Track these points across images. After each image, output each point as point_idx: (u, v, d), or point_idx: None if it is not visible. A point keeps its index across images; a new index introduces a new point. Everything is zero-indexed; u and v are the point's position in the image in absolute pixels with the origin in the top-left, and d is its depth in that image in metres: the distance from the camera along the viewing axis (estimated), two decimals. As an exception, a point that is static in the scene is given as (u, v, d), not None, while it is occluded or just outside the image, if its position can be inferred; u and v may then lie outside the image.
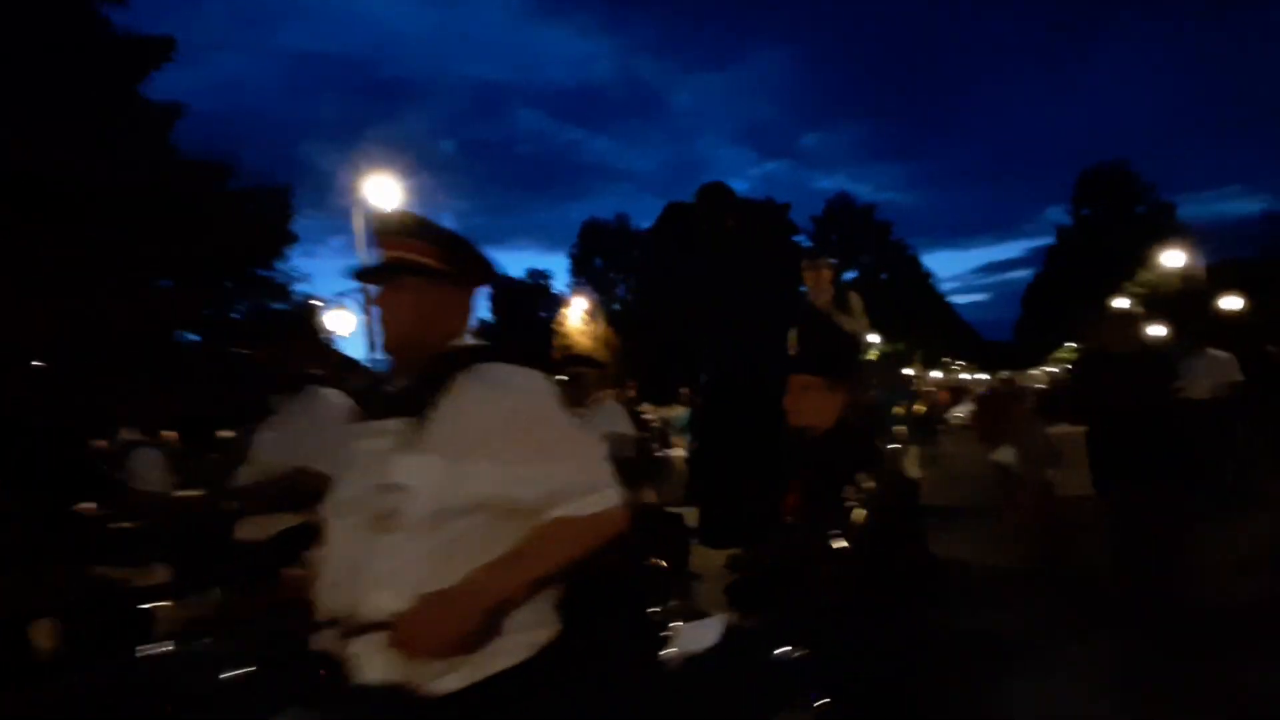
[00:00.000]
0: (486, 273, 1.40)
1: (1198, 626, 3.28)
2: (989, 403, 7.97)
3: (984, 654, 3.08)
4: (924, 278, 42.15)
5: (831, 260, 6.25)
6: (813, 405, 2.05)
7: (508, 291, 38.03)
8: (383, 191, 10.13)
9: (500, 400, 1.19)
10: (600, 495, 1.20)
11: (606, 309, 37.89)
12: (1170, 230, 26.87)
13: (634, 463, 4.35)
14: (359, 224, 10.43)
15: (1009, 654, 3.24)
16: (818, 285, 6.08)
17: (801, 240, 41.48)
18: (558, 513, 1.16)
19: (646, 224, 42.79)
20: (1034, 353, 54.81)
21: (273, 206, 14.98)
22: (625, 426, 4.56)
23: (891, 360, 7.02)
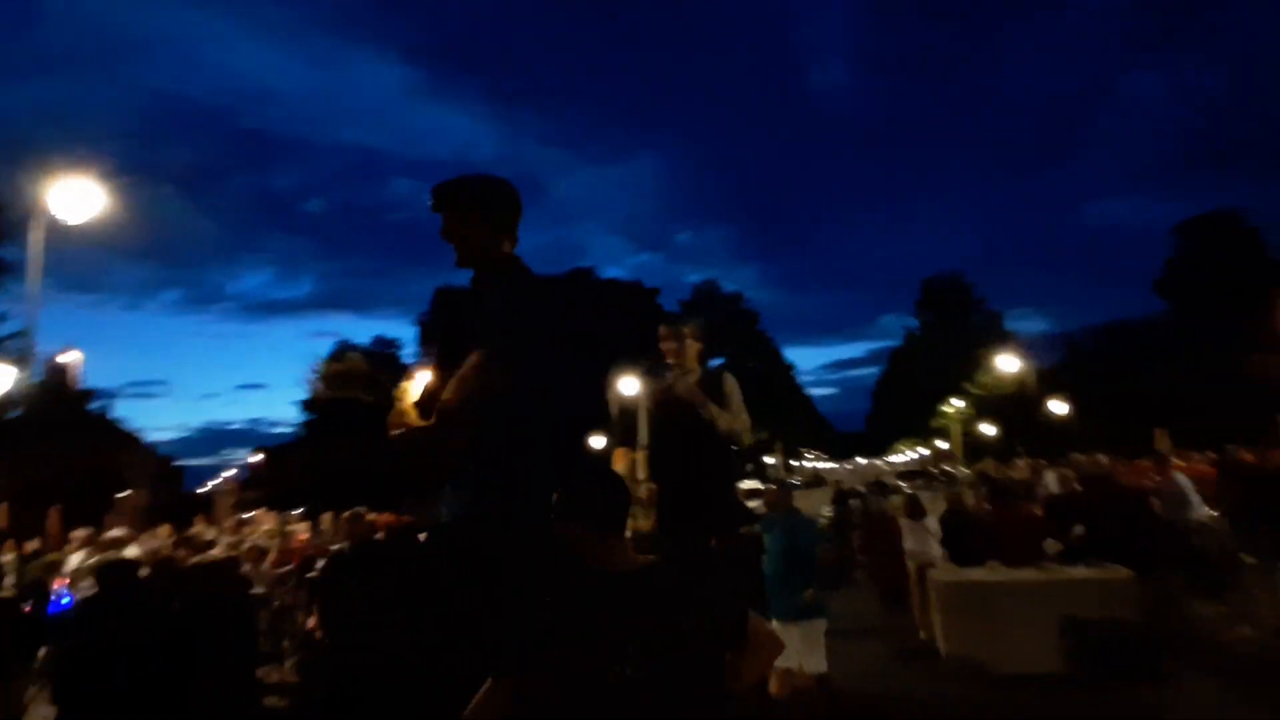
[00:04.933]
0: None
1: None
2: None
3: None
4: (786, 369, 43.39)
5: (696, 328, 4.30)
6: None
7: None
8: (76, 202, 7.14)
9: None
10: None
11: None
12: (999, 338, 29.31)
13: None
14: (36, 240, 7.26)
15: None
16: (682, 361, 4.09)
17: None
18: None
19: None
20: (883, 443, 58.69)
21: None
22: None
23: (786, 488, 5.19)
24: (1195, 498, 6.44)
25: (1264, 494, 6.83)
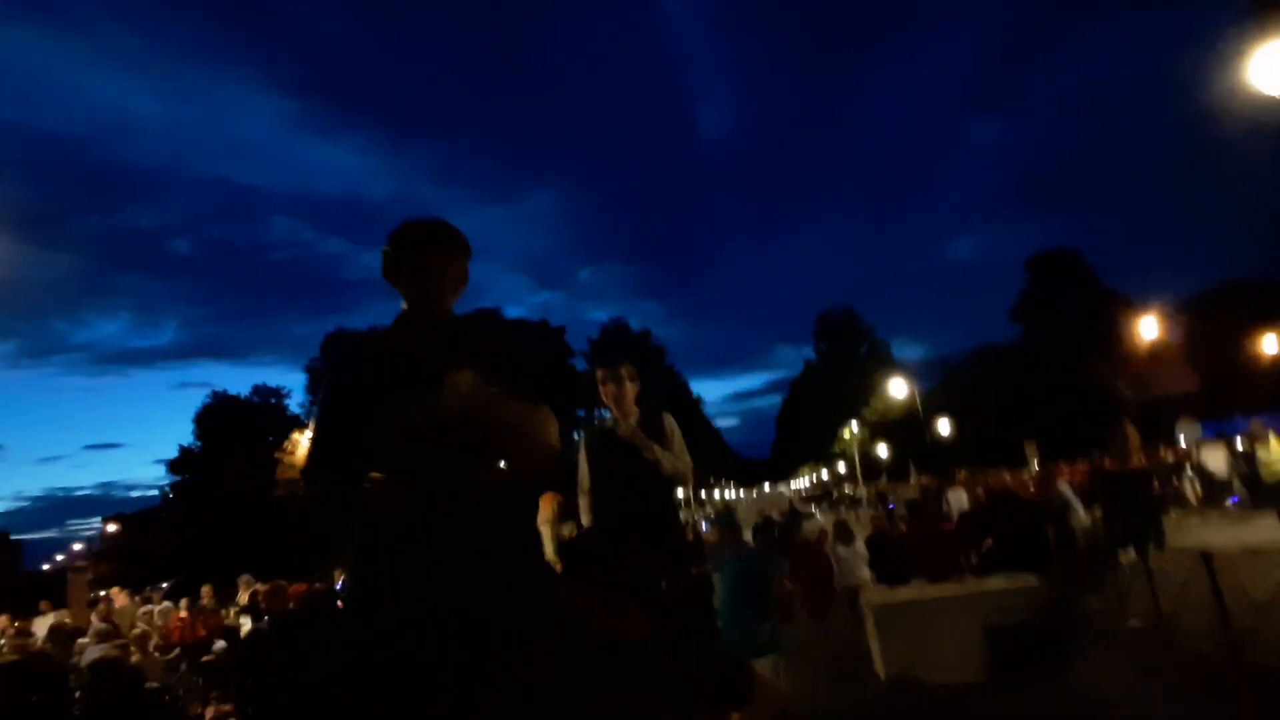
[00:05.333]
0: None
1: None
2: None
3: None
4: (695, 403, 44.48)
5: (632, 370, 4.33)
6: None
7: (217, 411, 30.64)
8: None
9: None
10: None
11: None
12: (889, 364, 31.68)
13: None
14: None
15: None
16: (622, 405, 4.08)
17: (577, 363, 41.40)
18: None
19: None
20: (787, 469, 61.01)
21: None
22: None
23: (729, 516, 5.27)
24: (1077, 503, 7.18)
25: (1128, 496, 7.73)
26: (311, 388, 34.65)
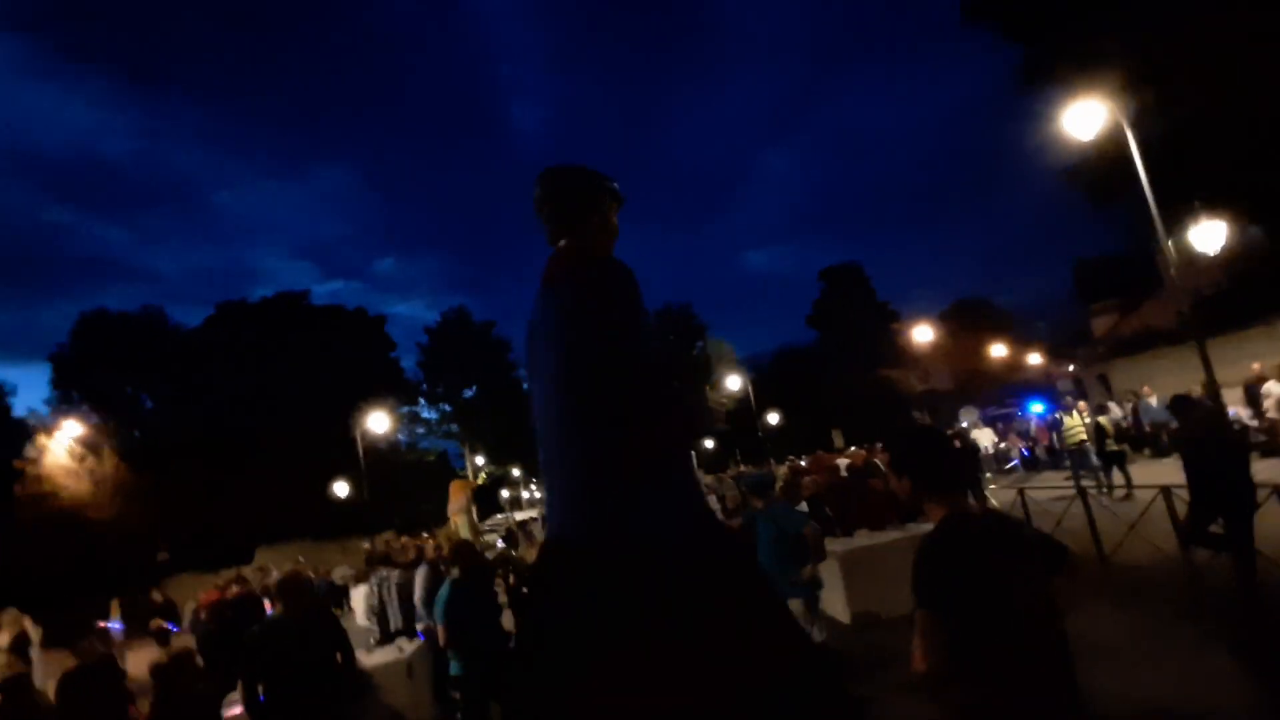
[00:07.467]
0: None
1: None
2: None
3: None
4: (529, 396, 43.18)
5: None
6: None
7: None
8: None
9: None
10: None
11: (122, 437, 26.78)
12: (724, 361, 34.30)
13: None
14: None
15: None
16: None
17: (396, 355, 38.40)
18: None
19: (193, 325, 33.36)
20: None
21: None
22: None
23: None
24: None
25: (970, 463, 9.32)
26: (60, 381, 27.66)
